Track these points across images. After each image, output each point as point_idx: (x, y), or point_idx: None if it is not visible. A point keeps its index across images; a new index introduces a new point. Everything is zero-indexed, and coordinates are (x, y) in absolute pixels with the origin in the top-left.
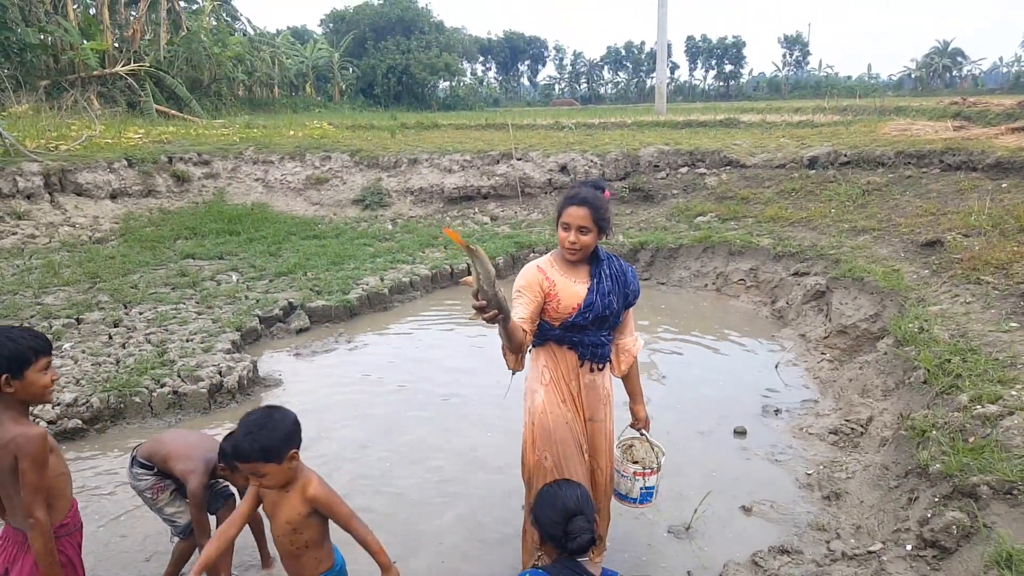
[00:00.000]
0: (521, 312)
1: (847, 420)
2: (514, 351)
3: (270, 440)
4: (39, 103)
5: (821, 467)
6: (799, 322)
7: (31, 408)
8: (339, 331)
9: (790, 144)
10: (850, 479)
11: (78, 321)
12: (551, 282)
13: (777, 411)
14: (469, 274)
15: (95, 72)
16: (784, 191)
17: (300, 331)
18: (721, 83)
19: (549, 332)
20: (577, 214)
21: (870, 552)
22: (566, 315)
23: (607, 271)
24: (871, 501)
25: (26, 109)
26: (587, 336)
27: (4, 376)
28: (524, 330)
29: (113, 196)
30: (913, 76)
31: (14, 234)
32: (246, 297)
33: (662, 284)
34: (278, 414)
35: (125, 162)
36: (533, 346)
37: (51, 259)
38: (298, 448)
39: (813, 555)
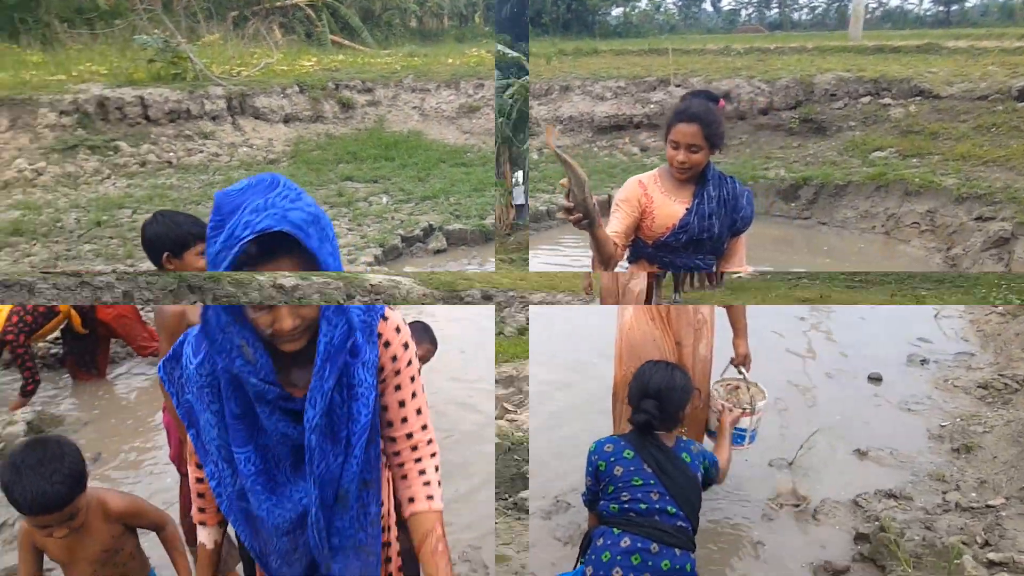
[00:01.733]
0: (615, 226)
1: (1002, 375)
2: (603, 264)
3: (73, 466)
4: (227, 33)
5: (958, 420)
6: (974, 271)
7: None
8: (472, 254)
9: (999, 72)
10: (987, 433)
11: None
12: (649, 198)
13: (924, 361)
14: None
15: (277, 3)
16: (982, 126)
17: (437, 252)
18: (941, 7)
19: (642, 250)
20: (687, 131)
21: (989, 506)
22: (659, 234)
23: (713, 192)
24: (1005, 457)
25: (216, 38)
26: (679, 258)
27: (166, 254)
28: (615, 244)
29: (286, 120)
30: None
31: (201, 152)
32: (392, 217)
33: (823, 224)
34: (51, 440)
35: (297, 88)
36: (628, 262)
37: (231, 176)
38: None
39: (924, 503)
